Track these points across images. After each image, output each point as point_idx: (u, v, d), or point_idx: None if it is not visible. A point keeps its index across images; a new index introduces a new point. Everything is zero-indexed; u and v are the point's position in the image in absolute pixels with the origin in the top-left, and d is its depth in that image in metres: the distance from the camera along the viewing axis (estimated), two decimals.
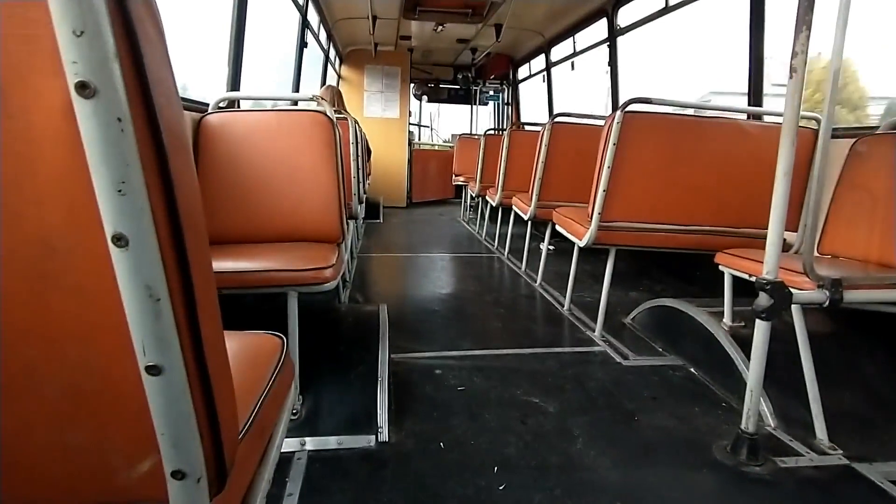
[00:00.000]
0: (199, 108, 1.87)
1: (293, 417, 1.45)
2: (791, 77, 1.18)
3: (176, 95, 0.43)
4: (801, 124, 1.52)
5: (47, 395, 0.44)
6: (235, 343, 0.79)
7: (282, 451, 1.29)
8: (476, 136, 6.17)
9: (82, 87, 0.34)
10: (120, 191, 0.36)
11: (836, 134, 1.94)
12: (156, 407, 0.42)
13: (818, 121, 1.99)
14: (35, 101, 0.38)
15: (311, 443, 1.36)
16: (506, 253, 3.99)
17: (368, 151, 4.56)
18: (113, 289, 0.39)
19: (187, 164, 0.44)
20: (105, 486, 0.48)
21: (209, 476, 0.47)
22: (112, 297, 0.39)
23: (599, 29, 4.40)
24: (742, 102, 2.61)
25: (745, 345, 1.69)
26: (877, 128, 1.83)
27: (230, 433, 0.51)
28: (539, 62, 6.12)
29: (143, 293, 0.39)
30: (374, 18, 5.01)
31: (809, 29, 1.15)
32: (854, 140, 1.79)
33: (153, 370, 0.41)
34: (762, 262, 1.27)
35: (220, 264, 1.40)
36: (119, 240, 0.37)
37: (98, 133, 0.35)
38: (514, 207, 3.51)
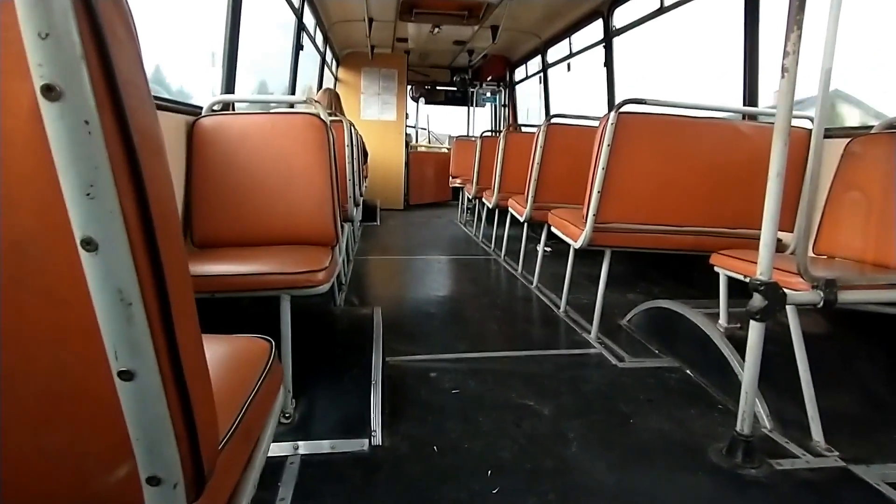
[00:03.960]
0: (193, 111, 1.87)
1: (286, 421, 1.44)
2: (783, 77, 1.18)
3: (149, 97, 0.43)
4: (795, 124, 1.52)
5: (21, 400, 0.43)
6: (221, 347, 0.79)
7: (274, 455, 1.30)
8: (473, 138, 6.17)
9: (48, 90, 0.34)
10: (89, 194, 0.36)
11: (831, 134, 1.94)
12: (129, 412, 0.42)
13: (812, 120, 1.99)
14: (4, 103, 0.37)
15: (303, 447, 1.35)
16: (502, 255, 3.98)
17: (365, 154, 4.55)
18: (85, 293, 0.38)
19: (161, 166, 0.44)
20: (81, 492, 0.47)
21: (186, 482, 0.46)
22: (84, 301, 0.39)
23: (596, 30, 4.41)
24: None
25: (740, 346, 1.68)
26: (871, 128, 1.83)
27: (209, 438, 0.51)
28: (535, 64, 6.13)
29: (115, 297, 0.38)
30: (371, 21, 5.01)
31: (801, 29, 1.15)
32: (849, 140, 1.79)
33: (126, 375, 0.40)
34: (756, 263, 1.27)
35: (213, 267, 1.40)
36: (88, 244, 0.37)
37: (65, 136, 0.35)
38: (510, 209, 3.50)
